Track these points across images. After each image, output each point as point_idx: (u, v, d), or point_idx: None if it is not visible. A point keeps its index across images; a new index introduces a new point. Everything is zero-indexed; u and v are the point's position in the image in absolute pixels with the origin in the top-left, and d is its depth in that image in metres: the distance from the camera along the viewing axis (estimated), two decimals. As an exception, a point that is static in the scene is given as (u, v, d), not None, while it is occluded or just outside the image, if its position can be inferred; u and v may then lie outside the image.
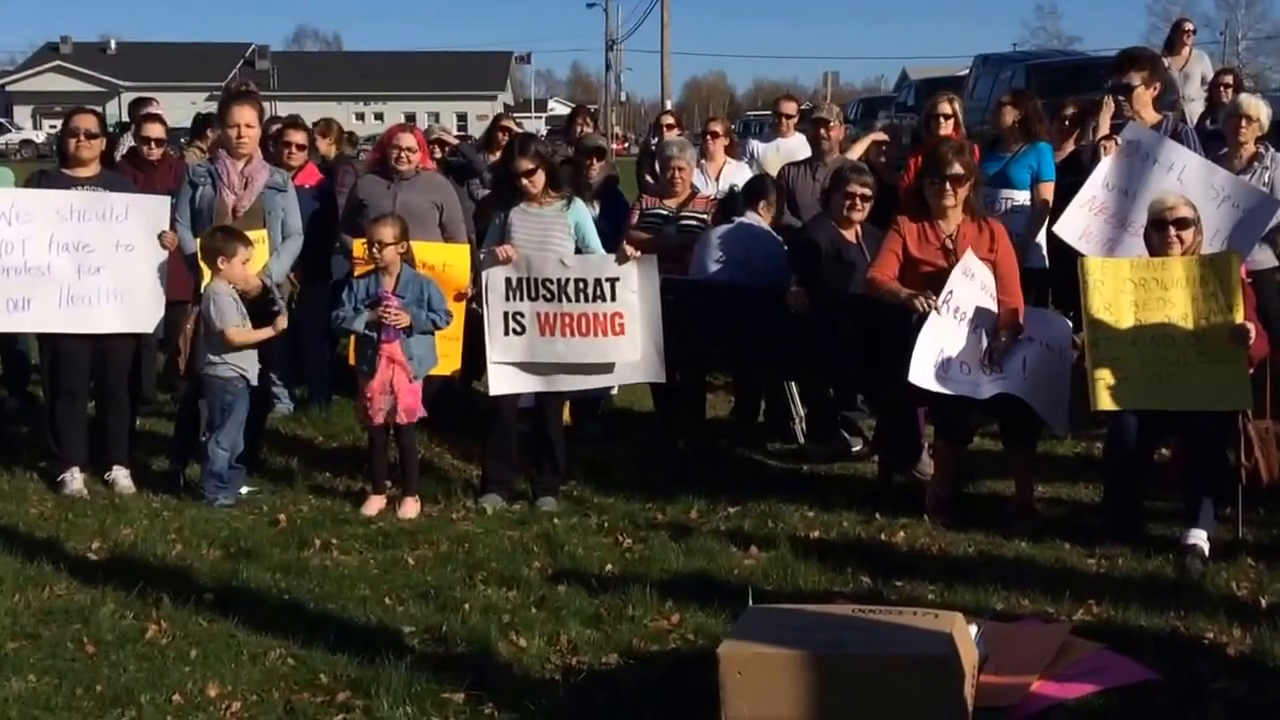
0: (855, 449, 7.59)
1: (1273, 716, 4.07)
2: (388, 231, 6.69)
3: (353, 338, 6.90)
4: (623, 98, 71.05)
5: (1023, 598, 5.17)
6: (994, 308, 6.29)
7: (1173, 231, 5.96)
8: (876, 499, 6.58)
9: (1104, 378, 5.88)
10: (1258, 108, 7.23)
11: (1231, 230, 6.53)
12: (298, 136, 8.59)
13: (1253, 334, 5.70)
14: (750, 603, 4.42)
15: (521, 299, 6.72)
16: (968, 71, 23.12)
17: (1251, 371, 5.78)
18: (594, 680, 4.54)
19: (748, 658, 3.89)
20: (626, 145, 50.35)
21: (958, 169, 6.36)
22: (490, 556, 5.91)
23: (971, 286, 6.26)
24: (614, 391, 8.15)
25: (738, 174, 9.03)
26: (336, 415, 8.43)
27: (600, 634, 4.93)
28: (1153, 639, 4.75)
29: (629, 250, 6.74)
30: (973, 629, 4.31)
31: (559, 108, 77.67)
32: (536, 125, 46.24)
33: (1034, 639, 4.63)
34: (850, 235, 7.16)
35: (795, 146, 9.67)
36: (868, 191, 7.12)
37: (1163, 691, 4.26)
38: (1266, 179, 7.07)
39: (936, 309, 6.11)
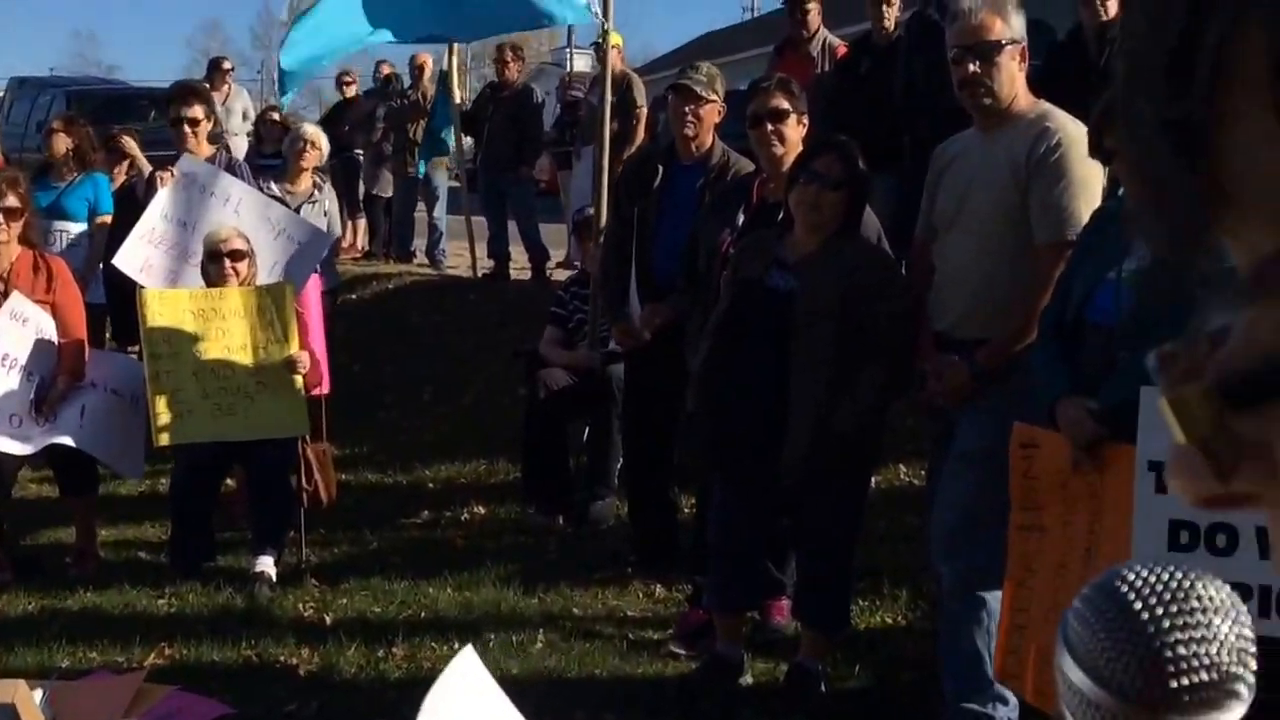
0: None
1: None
2: None
3: None
4: None
5: (91, 650, 4.91)
6: (53, 352, 5.93)
7: (228, 263, 6.03)
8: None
9: (165, 412, 5.79)
10: (319, 136, 7.61)
11: (288, 261, 6.76)
12: None
13: (306, 362, 5.93)
14: None
15: None
16: (2, 95, 21.83)
17: (311, 395, 6.01)
18: None
19: None
20: None
21: (11, 201, 5.94)
22: None
23: (24, 331, 5.85)
24: None
25: None
26: None
27: None
28: (226, 672, 4.74)
29: None
30: (37, 694, 4.01)
31: None
32: None
33: (105, 693, 4.41)
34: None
35: None
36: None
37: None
38: (326, 208, 7.53)
39: None
